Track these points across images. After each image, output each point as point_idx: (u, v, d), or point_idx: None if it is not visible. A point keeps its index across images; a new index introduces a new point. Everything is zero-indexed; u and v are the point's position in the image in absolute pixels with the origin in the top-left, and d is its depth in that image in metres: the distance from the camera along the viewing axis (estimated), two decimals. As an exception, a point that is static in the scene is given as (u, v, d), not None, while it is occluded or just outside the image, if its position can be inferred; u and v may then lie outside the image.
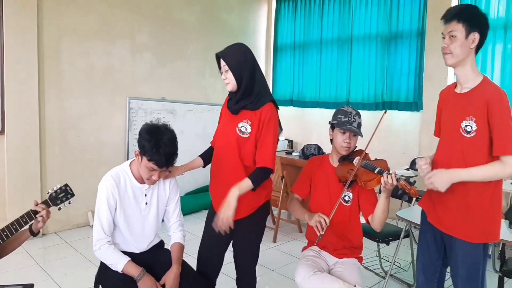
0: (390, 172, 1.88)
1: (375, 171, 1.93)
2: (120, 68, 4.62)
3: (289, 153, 5.23)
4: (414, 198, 2.95)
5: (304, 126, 6.09)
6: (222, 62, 1.99)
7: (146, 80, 4.88)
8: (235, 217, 2.04)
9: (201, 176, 5.05)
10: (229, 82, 1.99)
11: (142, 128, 1.90)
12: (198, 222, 4.57)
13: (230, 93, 2.09)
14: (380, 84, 5.18)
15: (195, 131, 5.27)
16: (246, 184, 1.94)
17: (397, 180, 1.82)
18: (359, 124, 2.14)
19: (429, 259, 2.01)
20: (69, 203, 1.93)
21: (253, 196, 2.02)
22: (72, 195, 1.94)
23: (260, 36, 6.51)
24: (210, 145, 2.30)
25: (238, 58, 1.98)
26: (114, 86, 4.57)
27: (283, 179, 4.14)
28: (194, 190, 5.24)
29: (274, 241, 4.11)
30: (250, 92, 2.00)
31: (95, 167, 4.29)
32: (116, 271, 1.91)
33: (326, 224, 1.99)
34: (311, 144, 4.77)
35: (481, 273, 1.86)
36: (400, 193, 1.84)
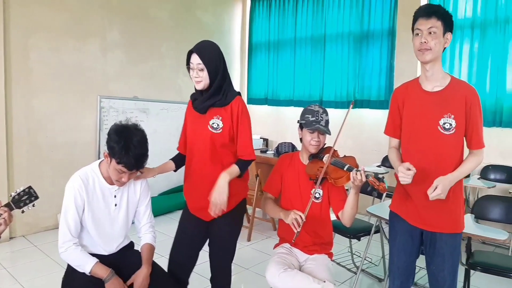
0: (359, 168, 1.90)
1: (345, 168, 1.95)
2: (91, 66, 4.52)
3: (263, 151, 5.24)
4: (384, 194, 3.01)
5: (279, 124, 6.12)
6: (197, 60, 1.95)
7: (118, 78, 4.79)
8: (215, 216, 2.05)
9: (175, 176, 4.93)
10: (202, 80, 1.97)
11: (111, 129, 1.86)
12: (172, 223, 4.52)
13: (195, 94, 2.09)
14: (352, 82, 5.26)
15: (169, 130, 5.20)
16: (234, 169, 1.98)
17: (366, 176, 1.84)
18: (327, 122, 2.16)
19: (407, 262, 2.02)
20: (33, 205, 1.86)
21: (234, 190, 2.02)
22: (36, 197, 1.88)
23: (235, 35, 6.50)
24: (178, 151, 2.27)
25: (214, 57, 1.98)
26: (84, 85, 4.46)
27: (258, 178, 4.15)
28: (167, 190, 5.18)
29: (249, 239, 4.11)
30: (220, 91, 2.01)
31: (65, 168, 4.17)
32: (83, 273, 1.86)
33: (302, 220, 1.99)
34: (285, 143, 4.79)
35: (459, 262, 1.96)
36: (370, 189, 1.86)
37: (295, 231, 2.00)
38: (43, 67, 4.13)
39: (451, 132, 1.82)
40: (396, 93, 2.05)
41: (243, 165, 2.03)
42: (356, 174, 1.85)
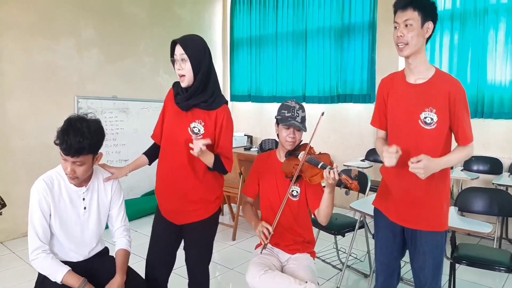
0: (333, 166, 1.85)
1: (318, 166, 1.92)
2: (66, 66, 4.38)
3: (247, 148, 5.18)
4: (368, 188, 2.97)
5: (263, 121, 6.06)
6: (180, 50, 1.85)
7: (95, 78, 4.66)
8: (188, 221, 2.00)
9: (157, 176, 4.90)
10: (185, 74, 1.86)
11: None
12: (155, 224, 4.43)
13: (179, 87, 1.96)
14: (335, 77, 5.22)
15: (150, 130, 5.04)
16: (210, 155, 1.87)
17: (339, 174, 1.81)
18: (303, 119, 2.10)
19: (389, 258, 1.98)
20: (0, 214, 1.79)
21: (206, 203, 2.00)
22: (4, 205, 1.80)
23: (216, 31, 6.41)
24: (152, 140, 2.21)
25: (198, 48, 1.88)
26: (59, 85, 4.33)
27: (241, 176, 4.08)
28: (150, 191, 5.08)
29: (234, 238, 4.04)
30: (205, 89, 1.90)
31: (42, 171, 3.94)
32: (55, 282, 1.77)
33: (270, 233, 2.00)
34: (268, 139, 4.74)
35: (443, 260, 1.90)
36: (342, 187, 1.83)
37: (263, 243, 2.01)
38: (15, 68, 3.99)
39: (432, 127, 1.76)
40: (382, 84, 2.00)
41: (220, 165, 1.93)
42: (329, 172, 1.82)
